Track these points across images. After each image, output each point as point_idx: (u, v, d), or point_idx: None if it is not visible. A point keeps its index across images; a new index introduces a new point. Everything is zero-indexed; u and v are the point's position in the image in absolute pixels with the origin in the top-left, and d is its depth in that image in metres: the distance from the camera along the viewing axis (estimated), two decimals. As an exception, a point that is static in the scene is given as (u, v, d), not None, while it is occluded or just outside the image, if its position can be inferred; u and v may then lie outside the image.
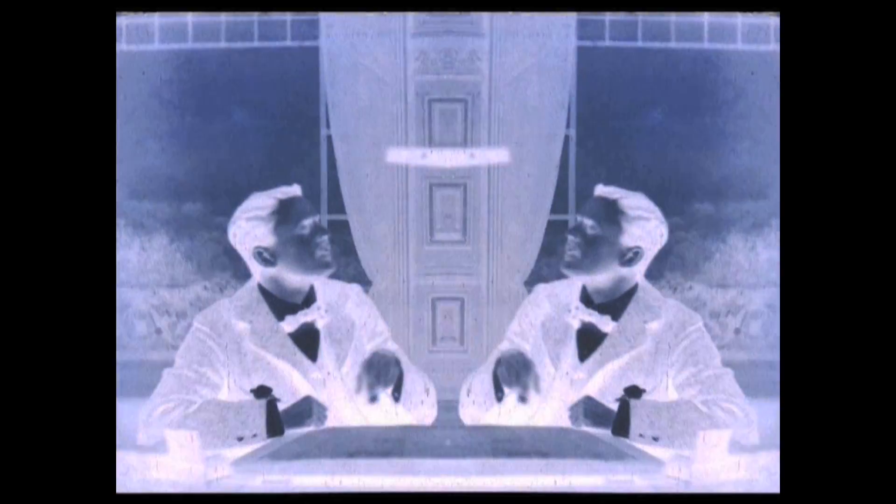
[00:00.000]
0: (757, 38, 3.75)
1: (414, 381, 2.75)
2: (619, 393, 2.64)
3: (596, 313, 2.74)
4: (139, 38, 3.79)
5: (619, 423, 2.57)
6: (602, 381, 2.69)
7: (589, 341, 2.75)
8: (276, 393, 2.65)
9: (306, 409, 2.64)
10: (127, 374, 2.80)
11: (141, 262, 3.90)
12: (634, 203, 2.74)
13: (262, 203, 2.74)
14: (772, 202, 3.80)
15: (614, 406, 2.63)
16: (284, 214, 2.72)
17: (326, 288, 2.85)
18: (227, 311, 2.77)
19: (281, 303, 2.77)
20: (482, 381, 2.75)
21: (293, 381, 2.70)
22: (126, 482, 2.46)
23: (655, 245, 2.76)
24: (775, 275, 3.81)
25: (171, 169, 3.87)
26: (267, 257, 2.74)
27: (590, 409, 2.63)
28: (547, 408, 2.72)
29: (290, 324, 2.75)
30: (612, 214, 2.71)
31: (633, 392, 2.63)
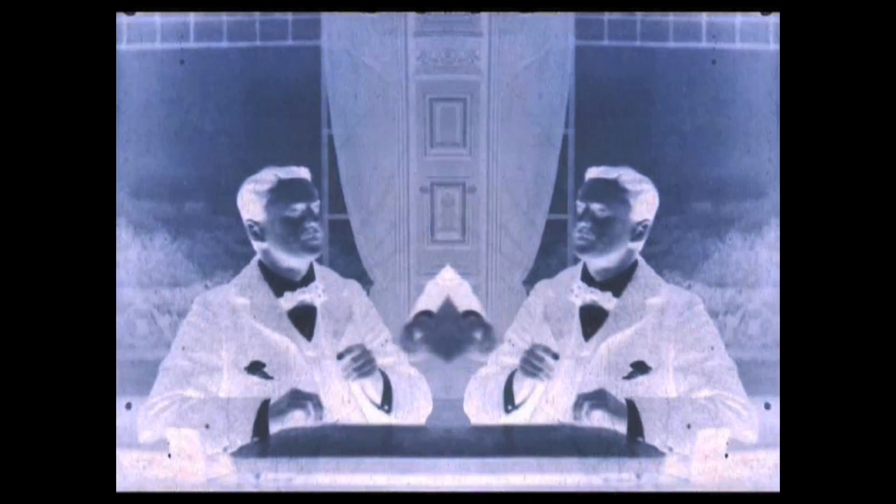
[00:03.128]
0: (756, 37, 3.74)
1: (405, 392, 2.78)
2: (627, 370, 2.66)
3: (598, 290, 2.77)
4: (140, 37, 3.79)
5: (632, 425, 2.56)
6: (607, 356, 2.71)
7: (592, 320, 2.77)
8: (268, 369, 2.68)
9: (293, 402, 2.64)
10: (127, 374, 2.80)
11: (142, 261, 3.90)
12: (633, 177, 2.79)
13: (262, 177, 2.79)
14: (770, 201, 3.79)
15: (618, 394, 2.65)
16: (280, 193, 2.77)
17: (325, 271, 2.89)
18: (225, 291, 2.81)
19: (280, 280, 2.80)
20: (487, 392, 2.76)
21: (288, 357, 2.72)
22: (126, 481, 2.47)
23: (653, 214, 2.82)
24: (774, 274, 3.80)
25: (172, 168, 3.87)
26: (256, 231, 2.79)
27: (603, 403, 2.62)
28: (555, 387, 2.73)
29: (289, 300, 2.78)
30: (616, 193, 2.75)
31: (640, 368, 2.66)
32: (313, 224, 2.78)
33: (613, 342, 2.72)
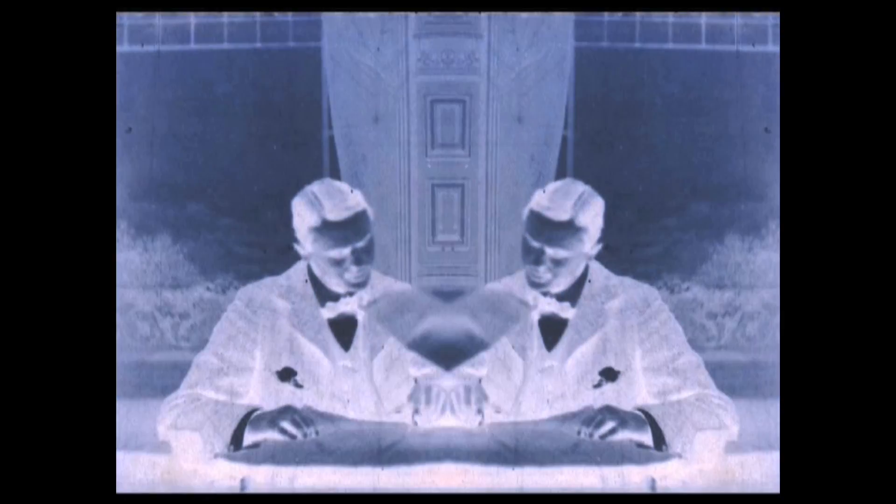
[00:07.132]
0: (755, 38, 3.75)
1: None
2: (596, 378, 2.65)
3: (554, 301, 2.71)
4: (140, 38, 3.80)
5: (656, 435, 2.53)
6: (576, 368, 2.68)
7: (551, 329, 2.73)
8: (299, 378, 2.66)
9: (278, 419, 2.54)
10: (128, 375, 2.81)
11: (143, 263, 3.91)
12: (585, 211, 2.65)
13: (308, 215, 2.67)
14: (769, 203, 3.80)
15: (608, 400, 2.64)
16: (325, 234, 2.65)
17: (379, 279, 2.82)
18: (269, 289, 2.76)
19: (327, 290, 2.73)
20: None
21: (320, 367, 2.69)
22: (126, 482, 2.48)
23: (602, 220, 2.71)
24: (772, 276, 3.81)
25: (173, 170, 3.88)
26: (303, 255, 2.72)
27: (622, 420, 2.54)
28: (525, 401, 2.71)
29: (331, 310, 2.72)
30: (573, 234, 2.63)
31: (609, 375, 2.64)
32: (354, 268, 2.67)
33: (578, 353, 2.69)
